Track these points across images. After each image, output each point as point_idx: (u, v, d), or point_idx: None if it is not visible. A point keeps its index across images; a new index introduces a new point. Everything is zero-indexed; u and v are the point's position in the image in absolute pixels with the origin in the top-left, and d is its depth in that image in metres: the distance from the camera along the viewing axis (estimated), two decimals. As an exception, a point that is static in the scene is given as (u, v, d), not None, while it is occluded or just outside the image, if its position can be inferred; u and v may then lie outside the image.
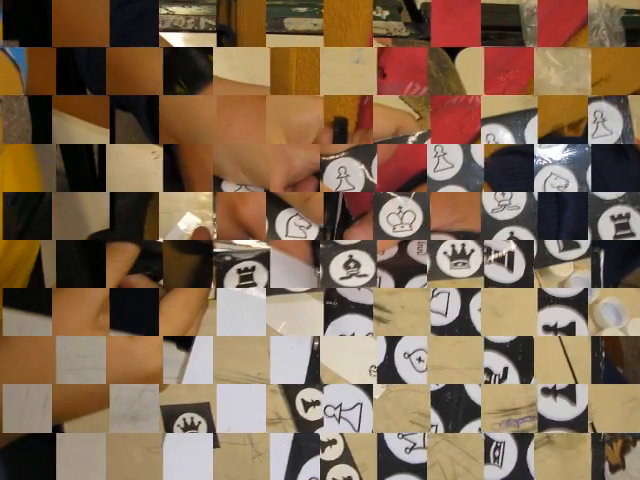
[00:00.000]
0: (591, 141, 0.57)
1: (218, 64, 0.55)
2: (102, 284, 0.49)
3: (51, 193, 0.64)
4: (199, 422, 0.71)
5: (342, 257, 0.57)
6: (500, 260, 0.58)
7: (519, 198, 0.58)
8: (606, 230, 0.58)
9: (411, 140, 0.57)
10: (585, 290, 0.67)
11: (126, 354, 0.48)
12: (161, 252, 0.52)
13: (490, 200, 0.58)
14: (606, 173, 0.57)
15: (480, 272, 0.58)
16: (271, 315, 0.75)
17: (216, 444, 0.70)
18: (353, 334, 0.66)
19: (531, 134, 0.57)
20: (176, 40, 0.98)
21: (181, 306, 0.51)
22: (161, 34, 0.56)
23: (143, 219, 0.52)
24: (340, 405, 0.73)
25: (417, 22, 1.11)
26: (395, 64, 0.67)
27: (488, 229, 0.58)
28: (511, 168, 0.57)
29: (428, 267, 0.57)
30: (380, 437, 0.73)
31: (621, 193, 0.58)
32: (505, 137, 0.57)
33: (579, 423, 0.73)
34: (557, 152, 0.58)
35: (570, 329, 0.66)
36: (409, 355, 0.71)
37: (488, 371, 0.75)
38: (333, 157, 0.57)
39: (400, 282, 0.58)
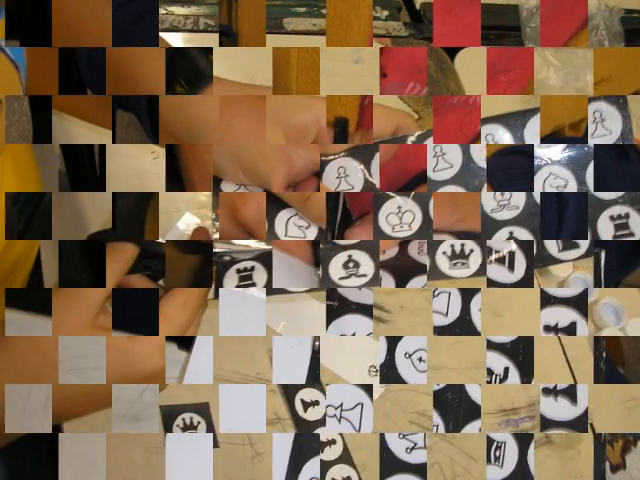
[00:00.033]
0: (590, 141, 0.57)
1: (217, 64, 0.55)
2: (101, 284, 0.49)
3: (51, 193, 0.64)
4: (198, 422, 0.71)
5: (341, 257, 0.57)
6: (501, 260, 0.58)
7: (518, 198, 0.58)
8: (605, 230, 0.58)
9: (410, 140, 0.57)
10: (586, 290, 0.67)
11: (125, 354, 0.48)
12: (160, 252, 0.52)
13: (489, 200, 0.58)
14: (607, 173, 0.57)
15: (479, 272, 0.58)
16: (270, 315, 0.75)
17: (215, 444, 0.70)
18: (354, 334, 0.66)
19: (530, 134, 0.57)
20: (175, 40, 0.98)
21: (180, 306, 0.51)
22: (160, 34, 0.56)
23: (144, 219, 0.52)
24: (341, 405, 0.73)
25: (416, 22, 1.11)
26: (396, 64, 0.67)
27: (487, 229, 0.58)
28: (512, 168, 0.57)
29: (427, 267, 0.57)
30: (382, 437, 0.73)
31: (620, 193, 0.58)
32: (504, 137, 0.57)
33: (580, 423, 0.74)
34: (556, 152, 0.58)
35: (571, 329, 0.66)
36: (410, 355, 0.71)
37: (489, 371, 0.75)
38: (332, 157, 0.57)
39: (401, 282, 0.57)
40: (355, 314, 0.70)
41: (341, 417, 0.72)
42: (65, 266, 0.49)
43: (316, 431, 0.72)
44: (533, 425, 0.79)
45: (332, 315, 0.72)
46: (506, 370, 0.70)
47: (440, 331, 0.67)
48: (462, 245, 0.58)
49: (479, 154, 0.57)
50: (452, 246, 0.58)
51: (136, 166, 0.85)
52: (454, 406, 0.72)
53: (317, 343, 0.73)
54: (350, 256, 0.57)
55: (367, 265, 0.57)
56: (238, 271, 0.57)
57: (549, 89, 0.99)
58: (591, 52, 0.98)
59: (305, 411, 0.73)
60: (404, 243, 0.59)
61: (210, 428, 0.71)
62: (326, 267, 0.57)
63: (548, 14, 0.73)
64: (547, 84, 0.99)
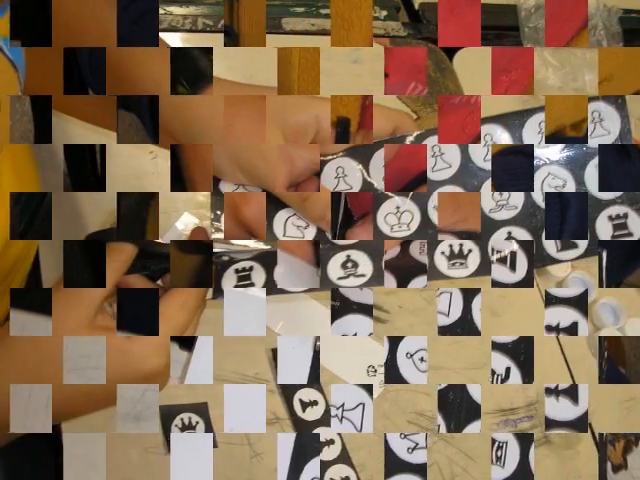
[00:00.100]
0: (590, 141, 0.57)
1: (216, 64, 0.55)
2: (100, 284, 0.49)
3: (52, 193, 0.64)
4: (197, 422, 0.71)
5: (340, 257, 0.57)
6: (502, 260, 0.58)
7: (517, 198, 0.58)
8: (604, 230, 0.58)
9: (409, 140, 0.57)
10: (586, 290, 0.67)
11: (124, 354, 0.48)
12: (158, 252, 0.52)
13: (488, 200, 0.58)
14: (608, 173, 0.57)
15: (477, 272, 0.58)
16: (269, 315, 0.75)
17: (214, 444, 0.70)
18: (355, 334, 0.66)
19: (529, 134, 0.57)
20: (174, 40, 0.98)
21: (179, 306, 0.51)
22: (160, 34, 0.56)
23: (145, 219, 0.52)
24: (342, 405, 0.72)
25: (415, 22, 1.12)
26: (396, 64, 0.67)
27: (486, 229, 0.58)
28: (513, 168, 0.57)
29: (427, 267, 0.57)
30: (384, 437, 0.73)
31: (619, 193, 0.58)
32: (503, 137, 0.57)
33: (580, 423, 0.74)
34: (555, 152, 0.58)
35: (572, 329, 0.66)
36: (411, 355, 0.71)
37: (490, 371, 0.75)
38: (331, 157, 0.57)
39: (402, 282, 0.57)
40: (357, 314, 0.70)
41: (342, 417, 0.72)
42: (66, 266, 0.49)
43: (316, 431, 0.72)
44: (531, 425, 0.79)
45: (333, 315, 0.72)
46: (508, 370, 0.70)
47: (441, 331, 0.67)
48: (460, 245, 0.58)
49: (477, 154, 0.57)
50: (450, 246, 0.58)
51: (135, 166, 0.85)
52: (456, 406, 0.72)
53: (318, 343, 0.73)
54: (349, 256, 0.57)
55: (365, 265, 0.57)
56: (237, 271, 0.57)
57: (548, 89, 0.99)
58: (590, 52, 0.98)
59: (304, 411, 0.73)
60: (406, 243, 0.59)
61: (209, 428, 0.71)
62: (325, 267, 0.57)
63: (552, 14, 0.73)
64: (546, 84, 0.99)
